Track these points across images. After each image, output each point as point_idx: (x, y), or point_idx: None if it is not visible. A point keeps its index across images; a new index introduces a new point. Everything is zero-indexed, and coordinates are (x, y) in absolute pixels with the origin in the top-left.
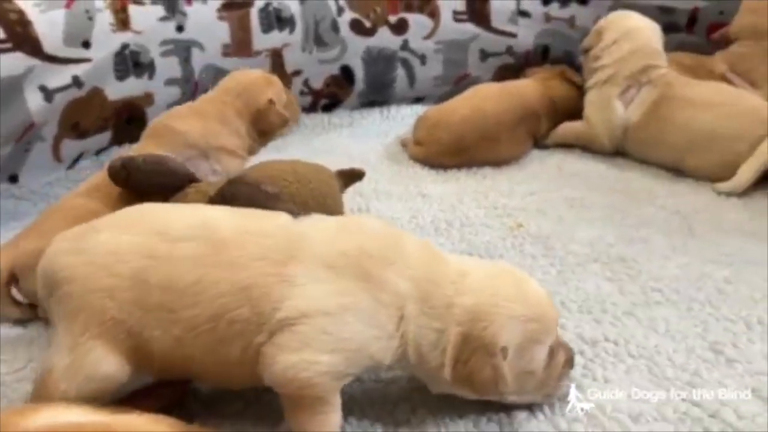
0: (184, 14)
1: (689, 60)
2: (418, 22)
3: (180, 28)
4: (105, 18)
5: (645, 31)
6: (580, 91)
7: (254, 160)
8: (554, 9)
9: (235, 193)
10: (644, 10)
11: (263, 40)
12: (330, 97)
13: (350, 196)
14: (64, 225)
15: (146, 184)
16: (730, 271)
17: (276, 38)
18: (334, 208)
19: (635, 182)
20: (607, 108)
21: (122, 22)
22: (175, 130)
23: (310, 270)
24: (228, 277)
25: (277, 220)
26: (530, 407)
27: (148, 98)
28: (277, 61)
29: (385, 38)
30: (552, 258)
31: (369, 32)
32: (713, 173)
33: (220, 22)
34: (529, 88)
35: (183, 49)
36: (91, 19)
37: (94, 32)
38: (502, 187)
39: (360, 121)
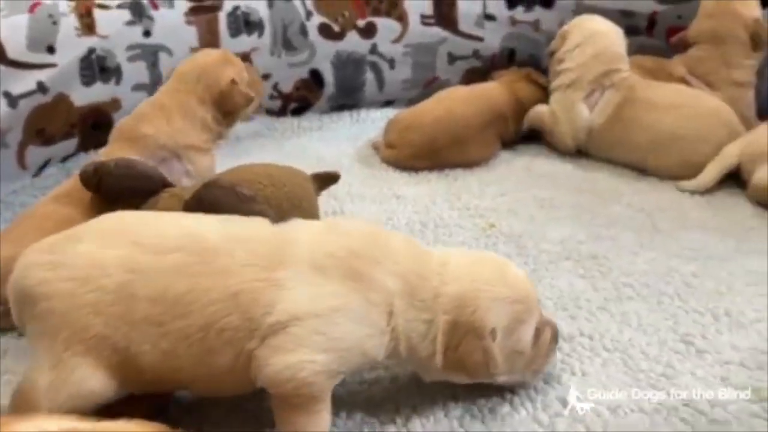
0: (150, 18)
1: (650, 63)
2: (386, 26)
3: (147, 33)
4: (70, 22)
5: (608, 35)
6: (546, 92)
7: (228, 164)
8: (519, 13)
9: (210, 196)
10: (605, 14)
11: (232, 45)
12: (300, 100)
13: (324, 199)
14: (37, 232)
15: (118, 188)
16: (696, 266)
17: (244, 42)
18: (309, 211)
19: (601, 182)
20: (572, 111)
21: (87, 26)
22: (144, 133)
23: (299, 273)
24: (218, 285)
25: (262, 226)
26: (512, 403)
27: (115, 104)
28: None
29: (354, 42)
30: (525, 257)
31: (338, 36)
32: (675, 172)
33: (188, 27)
34: (496, 90)
35: (150, 54)
36: (55, 23)
37: (59, 37)
38: (473, 188)
39: (330, 125)
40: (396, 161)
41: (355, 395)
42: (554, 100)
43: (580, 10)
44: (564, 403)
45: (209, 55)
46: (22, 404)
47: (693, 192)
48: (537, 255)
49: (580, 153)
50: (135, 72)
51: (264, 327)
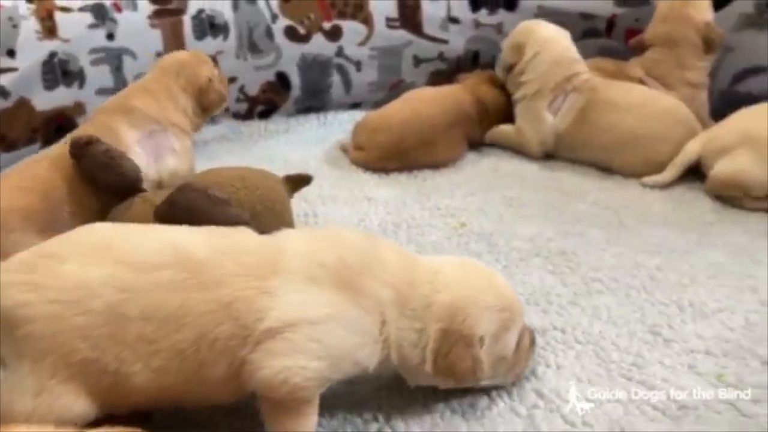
0: (114, 21)
1: (609, 65)
2: (352, 28)
3: (110, 36)
4: (30, 25)
5: (561, 40)
6: (509, 94)
7: (196, 169)
8: (483, 16)
9: (183, 200)
10: (566, 16)
11: (197, 48)
12: (266, 103)
13: (295, 201)
14: (21, 191)
15: (94, 173)
16: (660, 260)
17: (210, 45)
18: (282, 214)
19: (567, 181)
20: (538, 120)
21: (49, 29)
22: (134, 106)
23: (291, 282)
24: (210, 297)
25: (248, 236)
26: (491, 396)
27: (79, 108)
28: None
29: (319, 45)
30: (497, 254)
31: (304, 39)
32: (638, 170)
33: (152, 30)
34: (461, 92)
35: (114, 57)
36: (15, 26)
37: (20, 40)
38: (443, 188)
39: (297, 128)
40: (365, 163)
41: (337, 395)
42: (520, 112)
43: (541, 13)
44: (540, 395)
45: (184, 53)
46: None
47: (654, 187)
48: (508, 252)
49: (545, 153)
50: (99, 76)
51: (257, 333)
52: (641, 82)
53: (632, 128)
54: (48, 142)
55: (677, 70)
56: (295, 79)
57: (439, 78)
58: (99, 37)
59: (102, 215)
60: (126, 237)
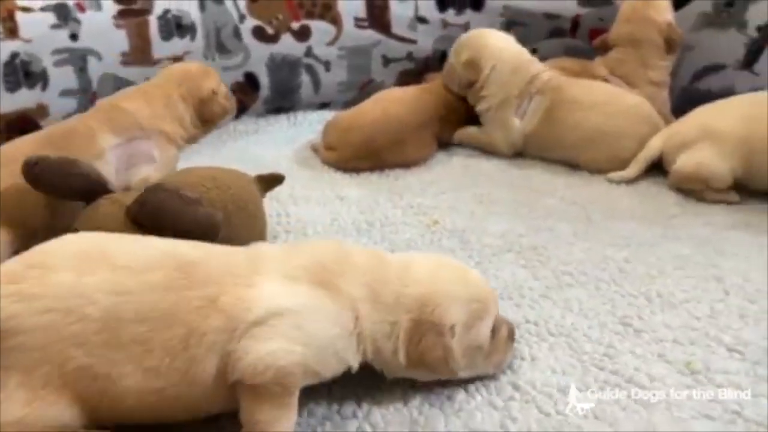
0: (77, 22)
1: (574, 65)
2: (320, 28)
3: (74, 36)
4: None
5: (512, 46)
6: None
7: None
8: (450, 16)
9: (154, 200)
10: (532, 16)
11: (163, 48)
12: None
13: (267, 201)
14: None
15: (55, 185)
16: (628, 252)
17: (177, 45)
18: (254, 213)
19: (535, 177)
20: (507, 128)
21: (10, 30)
22: (124, 109)
23: (273, 279)
24: (199, 294)
25: (231, 247)
26: (468, 390)
27: (42, 110)
28: None
29: (288, 45)
30: (469, 251)
31: (272, 39)
32: (604, 166)
33: (117, 30)
34: (430, 92)
35: (78, 58)
36: None
37: None
38: (415, 187)
39: (267, 128)
40: (336, 163)
41: (315, 392)
42: (486, 121)
43: (507, 13)
44: (516, 387)
45: (190, 64)
46: None
47: (619, 183)
48: (480, 248)
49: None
50: (62, 77)
51: (244, 325)
52: (605, 80)
53: (598, 125)
54: None
55: (640, 69)
56: (264, 80)
57: (407, 78)
58: (62, 38)
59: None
60: (119, 244)
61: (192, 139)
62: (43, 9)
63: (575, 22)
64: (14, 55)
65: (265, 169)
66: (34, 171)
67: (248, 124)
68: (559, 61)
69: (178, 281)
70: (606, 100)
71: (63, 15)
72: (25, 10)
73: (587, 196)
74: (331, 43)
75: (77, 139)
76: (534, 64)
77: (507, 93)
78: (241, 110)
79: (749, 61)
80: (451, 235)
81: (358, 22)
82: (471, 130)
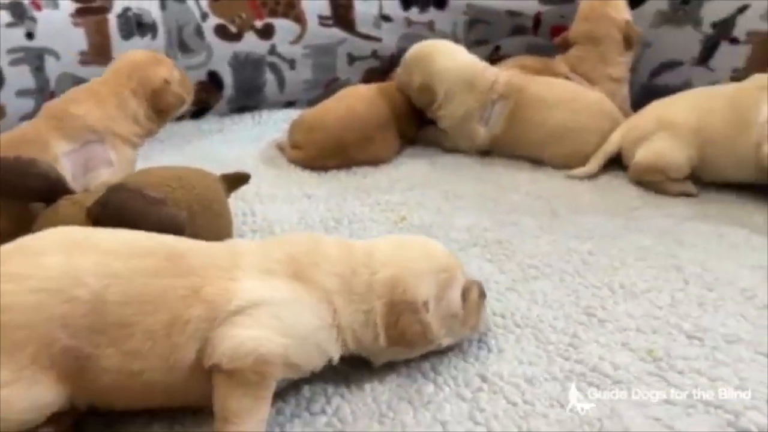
0: (33, 20)
1: (535, 62)
2: (284, 27)
3: (30, 35)
4: None
5: (462, 62)
6: None
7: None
8: (414, 14)
9: (116, 200)
10: (494, 14)
11: (124, 47)
12: (199, 103)
13: (233, 201)
14: None
15: (13, 186)
16: (591, 245)
17: (138, 44)
18: (220, 213)
19: (501, 173)
20: (472, 137)
21: None
22: (74, 114)
23: (254, 273)
24: (184, 282)
25: (211, 242)
26: (437, 383)
27: None
28: None
29: (252, 43)
30: None
31: (235, 37)
32: (567, 162)
33: (75, 29)
34: (396, 89)
35: (35, 57)
36: None
37: None
38: (382, 184)
39: (232, 127)
40: (303, 161)
41: (283, 390)
42: (452, 132)
43: (470, 11)
44: (484, 378)
45: (140, 53)
46: None
47: (582, 178)
48: (447, 243)
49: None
50: (18, 77)
51: (224, 314)
52: (566, 78)
53: (562, 122)
54: None
55: (600, 65)
56: (228, 78)
57: (373, 76)
58: (18, 37)
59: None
60: (107, 233)
61: (149, 134)
62: None
63: (537, 20)
64: None
65: (231, 169)
66: None
67: (212, 124)
68: (520, 60)
69: (166, 269)
70: (569, 97)
71: (18, 13)
72: None
73: (551, 191)
74: (296, 41)
75: (29, 147)
76: (489, 71)
77: (467, 107)
78: (205, 109)
79: (705, 57)
80: (419, 230)
81: (323, 21)
82: (435, 133)
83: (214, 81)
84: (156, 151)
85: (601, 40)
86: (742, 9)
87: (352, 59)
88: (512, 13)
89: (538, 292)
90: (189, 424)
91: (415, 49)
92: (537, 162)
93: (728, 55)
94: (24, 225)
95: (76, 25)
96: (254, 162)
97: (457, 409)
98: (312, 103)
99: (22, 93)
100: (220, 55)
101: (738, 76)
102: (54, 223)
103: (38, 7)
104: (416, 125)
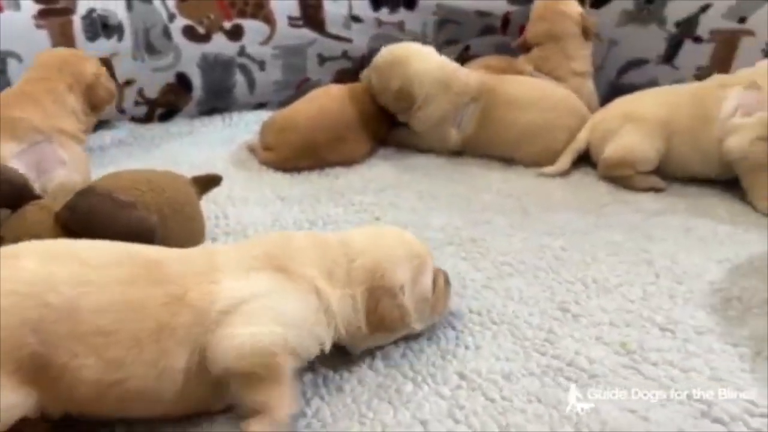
0: None
1: (500, 63)
2: (253, 27)
3: None
4: None
5: (436, 64)
6: None
7: (94, 176)
8: (384, 14)
9: (85, 204)
10: (464, 15)
11: (89, 49)
12: (167, 105)
13: (204, 204)
14: None
15: None
16: (563, 241)
17: (103, 46)
18: (192, 216)
19: (473, 173)
20: (445, 139)
21: None
22: (13, 116)
23: (234, 272)
24: (165, 290)
25: (184, 249)
26: (416, 381)
27: None
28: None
29: (220, 44)
30: None
31: (203, 38)
32: (538, 160)
33: (39, 31)
34: (367, 90)
35: None
36: None
37: None
38: (355, 185)
39: (201, 129)
40: (275, 163)
41: None
42: (425, 134)
43: (440, 11)
44: (462, 376)
45: (61, 50)
46: None
47: (553, 176)
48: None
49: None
50: None
51: (214, 314)
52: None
53: (532, 121)
54: None
55: (564, 61)
56: (197, 80)
57: (344, 76)
58: None
59: None
60: (85, 244)
61: (87, 130)
62: None
63: (506, 20)
64: None
65: (201, 172)
66: None
67: (182, 126)
68: (486, 60)
69: (142, 278)
70: (538, 96)
71: None
72: None
73: (522, 189)
74: (265, 42)
75: None
76: (461, 72)
77: (443, 110)
78: (174, 112)
79: (669, 55)
80: None
81: (292, 21)
82: (407, 135)
83: (182, 83)
84: (123, 154)
85: (561, 36)
86: (705, 8)
87: (322, 60)
88: (481, 13)
89: (513, 289)
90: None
91: (388, 53)
92: (508, 161)
93: (692, 54)
94: None
95: (39, 27)
96: (225, 164)
97: (436, 407)
98: (283, 104)
99: None
100: (189, 56)
101: (702, 74)
102: (22, 228)
103: None
104: (388, 125)
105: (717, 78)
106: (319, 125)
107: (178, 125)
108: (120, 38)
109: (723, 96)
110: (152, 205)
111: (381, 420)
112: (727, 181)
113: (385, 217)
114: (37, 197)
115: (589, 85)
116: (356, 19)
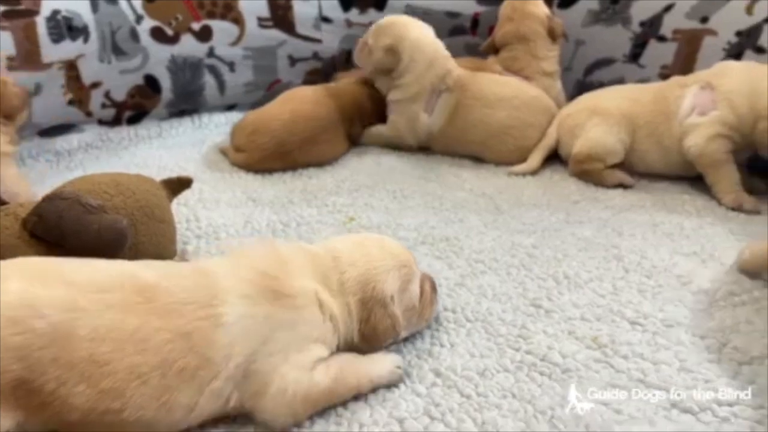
0: None
1: (469, 64)
2: (222, 28)
3: None
4: None
5: (431, 39)
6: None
7: (61, 181)
8: (354, 15)
9: (52, 209)
10: (434, 15)
11: (54, 51)
12: (135, 108)
13: (175, 207)
14: None
15: None
16: (535, 238)
17: (69, 49)
18: (163, 219)
19: (445, 171)
20: (415, 120)
21: None
22: None
23: (233, 305)
24: (168, 325)
25: (171, 262)
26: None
27: None
28: (72, 74)
29: (189, 46)
30: None
31: (172, 40)
32: (510, 159)
33: (2, 33)
34: (339, 91)
35: None
36: None
37: None
38: (329, 185)
39: (171, 132)
40: (247, 164)
41: None
42: (395, 110)
43: (410, 11)
44: (438, 373)
45: None
46: None
47: (525, 174)
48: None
49: (422, 147)
50: None
51: (229, 368)
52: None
53: (504, 120)
54: None
55: (533, 62)
56: (166, 82)
57: (315, 77)
58: None
59: None
60: (72, 263)
61: (13, 141)
62: None
63: (475, 20)
64: None
65: (172, 174)
66: None
67: (150, 129)
68: (457, 62)
69: (138, 305)
70: (510, 94)
71: None
72: None
73: (494, 187)
74: (235, 43)
75: None
76: (448, 60)
77: (421, 86)
78: (142, 114)
79: (635, 54)
80: (368, 231)
81: (262, 22)
82: (378, 128)
83: (151, 85)
84: (91, 158)
85: (529, 37)
86: (668, 8)
87: (293, 61)
88: (451, 14)
89: (487, 287)
90: None
91: (390, 17)
92: (480, 159)
93: (657, 53)
94: None
95: (2, 28)
96: (196, 166)
97: (413, 405)
98: (254, 105)
99: None
100: (157, 58)
101: (666, 72)
102: None
103: None
104: (361, 126)
105: (676, 78)
106: (291, 127)
107: (147, 128)
108: (86, 40)
109: (681, 95)
110: (122, 209)
111: (358, 420)
112: (693, 177)
113: (359, 217)
114: (3, 202)
115: (557, 85)
116: (326, 19)
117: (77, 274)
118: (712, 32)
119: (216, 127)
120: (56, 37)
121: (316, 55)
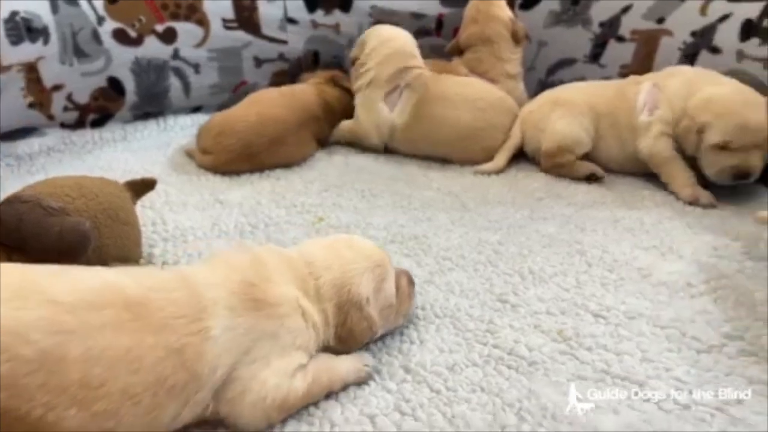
0: None
1: (434, 66)
2: (187, 30)
3: None
4: None
5: (399, 38)
6: (351, 94)
7: (23, 184)
8: (320, 16)
9: (12, 212)
10: (399, 15)
11: (13, 53)
12: (99, 111)
13: (140, 210)
14: None
15: None
16: (501, 235)
17: (28, 50)
18: (127, 221)
19: (413, 171)
20: (373, 110)
21: None
22: None
23: (219, 317)
24: (160, 342)
25: (153, 269)
26: None
27: None
28: (32, 76)
29: (153, 47)
30: None
31: (135, 42)
32: (476, 159)
33: None
34: (306, 92)
35: None
36: None
37: None
38: (297, 186)
39: (135, 134)
40: (213, 167)
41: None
42: (358, 102)
43: (375, 13)
44: (407, 370)
45: None
46: None
47: (490, 174)
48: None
49: (389, 148)
50: None
51: (214, 380)
52: None
53: (470, 122)
54: None
55: (498, 64)
56: (129, 84)
57: (281, 78)
58: None
59: None
60: (51, 275)
61: None
62: None
63: (439, 22)
64: None
65: (137, 177)
66: None
67: (115, 131)
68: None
69: (129, 323)
70: (475, 96)
71: None
72: None
73: (461, 186)
74: (200, 44)
75: None
76: (412, 59)
77: (378, 73)
78: (106, 117)
79: (595, 54)
80: (337, 231)
81: (227, 23)
82: (344, 123)
83: (115, 87)
84: (53, 162)
85: (493, 39)
86: (626, 9)
87: (259, 62)
88: (415, 15)
89: (454, 283)
90: None
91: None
92: (446, 160)
93: (616, 53)
94: None
95: None
96: (162, 169)
97: (383, 402)
98: (220, 107)
99: None
100: (120, 60)
101: (626, 71)
102: None
103: None
104: (329, 127)
105: (633, 77)
106: (258, 129)
107: (111, 131)
108: (46, 42)
109: (637, 91)
110: (84, 212)
111: (329, 418)
112: (651, 173)
113: (328, 217)
114: None
115: (520, 87)
116: (292, 21)
117: (58, 289)
118: (668, 32)
119: (182, 130)
120: (15, 39)
121: (281, 56)
